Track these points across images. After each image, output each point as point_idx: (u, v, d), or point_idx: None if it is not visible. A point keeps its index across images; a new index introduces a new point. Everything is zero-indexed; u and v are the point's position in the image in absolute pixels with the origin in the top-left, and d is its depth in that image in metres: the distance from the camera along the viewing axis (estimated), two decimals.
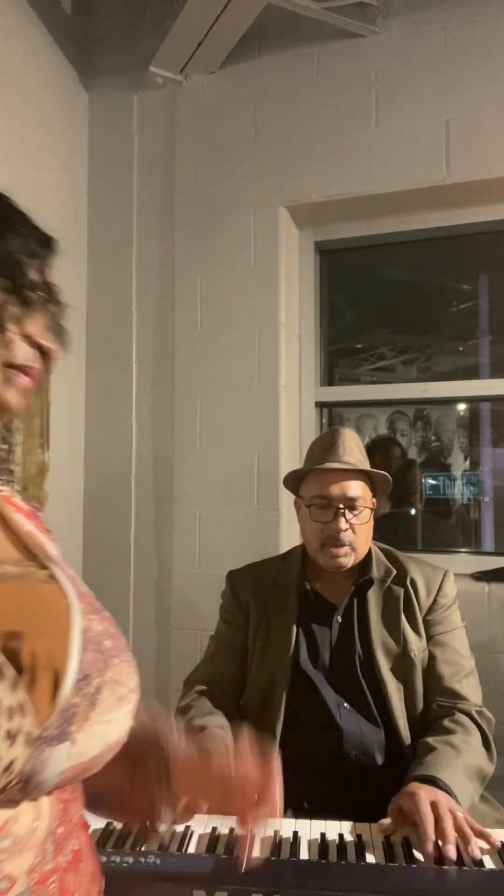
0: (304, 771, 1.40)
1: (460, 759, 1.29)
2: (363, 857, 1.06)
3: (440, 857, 1.05)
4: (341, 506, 1.45)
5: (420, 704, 1.45)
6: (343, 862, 1.05)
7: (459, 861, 1.05)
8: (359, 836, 1.11)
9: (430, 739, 1.35)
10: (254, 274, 2.29)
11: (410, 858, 1.05)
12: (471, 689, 1.45)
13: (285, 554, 1.67)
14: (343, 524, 1.44)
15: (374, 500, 1.53)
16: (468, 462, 2.49)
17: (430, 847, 1.06)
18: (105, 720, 0.58)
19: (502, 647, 2.04)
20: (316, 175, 2.24)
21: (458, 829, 1.09)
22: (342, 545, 1.45)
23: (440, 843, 1.06)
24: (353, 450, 1.50)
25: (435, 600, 1.50)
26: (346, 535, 1.45)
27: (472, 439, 2.48)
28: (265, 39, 2.29)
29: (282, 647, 1.49)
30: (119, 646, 0.64)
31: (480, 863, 1.04)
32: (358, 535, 1.47)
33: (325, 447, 1.51)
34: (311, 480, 1.51)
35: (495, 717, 1.46)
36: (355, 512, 1.46)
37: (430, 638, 1.48)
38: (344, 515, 1.45)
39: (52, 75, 2.31)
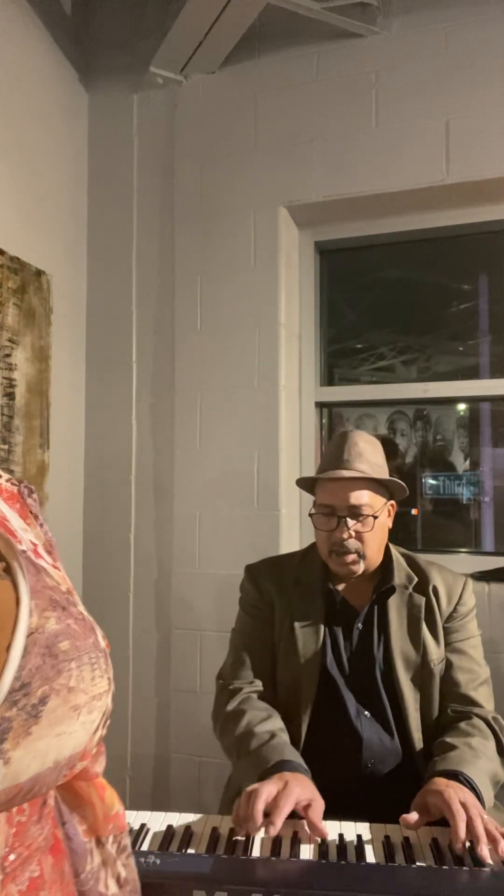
0: (321, 776, 1.40)
1: (479, 761, 1.29)
2: (363, 857, 1.06)
3: (459, 858, 1.05)
4: (344, 514, 1.43)
5: (435, 714, 1.44)
6: (343, 862, 1.05)
7: (459, 861, 1.05)
8: (359, 837, 1.11)
9: (450, 739, 1.34)
10: (254, 274, 2.29)
11: (410, 858, 1.05)
12: (485, 697, 1.45)
13: (304, 552, 1.65)
14: (345, 533, 1.43)
15: (390, 503, 1.51)
16: (468, 462, 2.49)
17: (459, 847, 1.06)
18: (54, 734, 0.51)
19: (502, 647, 2.04)
20: (316, 175, 2.24)
21: (486, 831, 1.08)
22: (348, 553, 1.44)
23: (471, 842, 1.07)
24: (360, 455, 1.47)
25: (455, 609, 1.49)
26: (351, 544, 1.44)
27: (472, 439, 2.48)
28: (265, 39, 2.29)
29: (310, 646, 1.47)
30: (82, 646, 0.56)
31: (481, 863, 1.04)
32: (366, 543, 1.45)
33: (331, 454, 1.49)
34: (319, 488, 1.50)
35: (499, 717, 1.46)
36: (360, 520, 1.44)
37: (447, 645, 1.47)
38: (346, 524, 1.43)
39: (52, 75, 2.31)
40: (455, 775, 1.20)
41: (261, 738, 1.33)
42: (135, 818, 1.18)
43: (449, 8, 2.12)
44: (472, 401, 2.45)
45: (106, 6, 2.50)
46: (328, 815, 1.18)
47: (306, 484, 1.57)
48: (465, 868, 1.03)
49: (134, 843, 1.10)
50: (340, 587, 1.52)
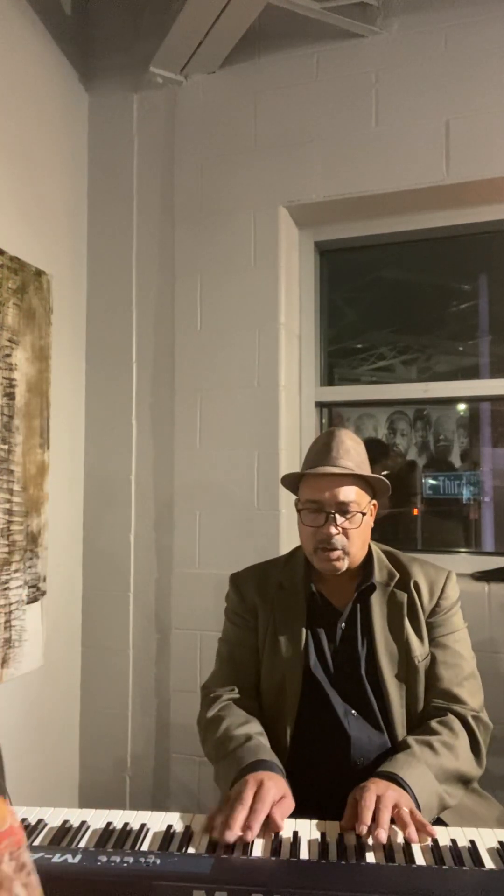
0: (311, 777, 1.40)
1: (435, 759, 1.30)
2: (363, 857, 1.06)
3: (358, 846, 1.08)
4: (332, 511, 1.43)
5: (420, 709, 1.45)
6: (343, 862, 1.05)
7: (459, 860, 1.05)
8: (359, 837, 1.11)
9: (410, 738, 1.36)
10: (254, 274, 2.29)
11: (410, 858, 1.05)
12: (470, 692, 1.44)
13: (288, 555, 1.66)
14: (333, 529, 1.43)
15: (372, 503, 1.52)
16: (468, 462, 2.49)
17: (362, 830, 1.09)
18: None
19: (502, 647, 2.04)
20: (316, 175, 2.24)
21: (399, 818, 1.12)
22: (334, 549, 1.44)
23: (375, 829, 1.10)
24: (348, 453, 1.47)
25: (437, 603, 1.49)
26: (338, 540, 1.43)
27: (472, 439, 2.48)
28: (265, 39, 2.29)
29: (291, 650, 1.48)
30: None
31: (481, 863, 1.04)
32: (351, 540, 1.45)
33: (319, 450, 1.49)
34: (305, 484, 1.50)
35: (495, 717, 1.46)
36: (347, 516, 1.44)
37: (431, 640, 1.47)
38: (335, 520, 1.43)
39: (52, 75, 2.31)
40: (393, 778, 1.23)
41: (237, 740, 1.34)
42: (135, 818, 1.18)
43: (449, 8, 2.12)
44: (472, 401, 2.45)
45: (106, 6, 2.50)
46: (322, 815, 1.19)
47: (291, 481, 1.56)
48: (465, 868, 1.03)
49: (134, 843, 1.10)
50: (322, 588, 1.53)
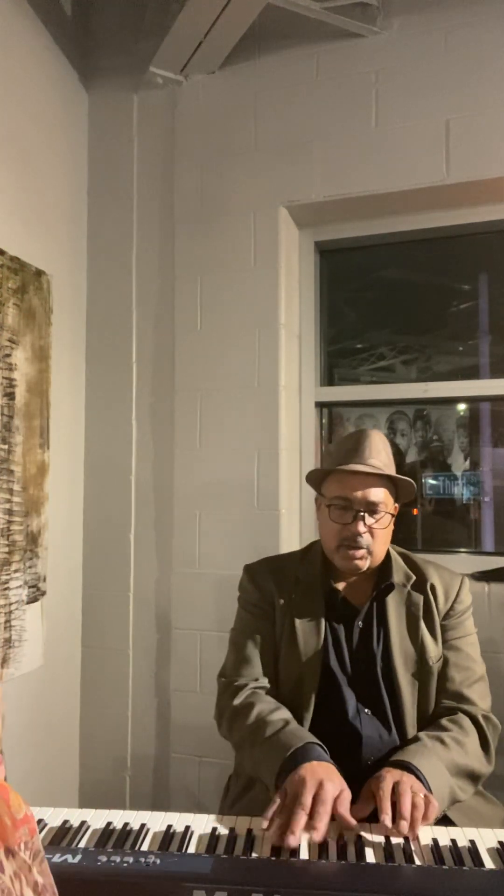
0: None
1: (446, 753, 1.31)
2: (363, 857, 1.06)
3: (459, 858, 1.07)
4: (362, 509, 1.44)
5: (431, 709, 1.46)
6: (343, 862, 1.05)
7: (459, 860, 1.05)
8: (358, 836, 1.11)
9: (421, 733, 1.37)
10: (254, 274, 2.29)
11: (410, 858, 1.06)
12: (480, 695, 1.46)
13: (303, 550, 1.66)
14: (362, 527, 1.44)
15: (396, 505, 1.53)
16: (468, 462, 2.48)
17: (386, 821, 1.10)
18: None
19: (502, 647, 2.04)
20: (316, 175, 2.24)
21: (414, 807, 1.13)
22: (359, 548, 1.45)
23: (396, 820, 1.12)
24: (379, 453, 1.48)
25: (452, 606, 1.51)
26: (364, 539, 1.44)
27: (472, 439, 2.48)
28: (265, 39, 2.29)
29: (311, 644, 1.48)
30: None
31: (481, 863, 1.04)
32: (376, 540, 1.46)
33: (351, 448, 1.50)
34: (334, 481, 1.50)
35: (496, 718, 1.46)
36: (376, 516, 1.45)
37: (444, 642, 1.49)
38: (363, 519, 1.44)
39: (52, 75, 2.31)
40: (406, 766, 1.24)
41: (275, 725, 1.34)
42: (135, 818, 1.18)
43: (449, 8, 2.12)
44: (472, 401, 2.45)
45: (106, 6, 2.50)
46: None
47: (317, 477, 1.56)
48: (465, 868, 1.03)
49: (134, 843, 1.10)
50: (340, 585, 1.53)
